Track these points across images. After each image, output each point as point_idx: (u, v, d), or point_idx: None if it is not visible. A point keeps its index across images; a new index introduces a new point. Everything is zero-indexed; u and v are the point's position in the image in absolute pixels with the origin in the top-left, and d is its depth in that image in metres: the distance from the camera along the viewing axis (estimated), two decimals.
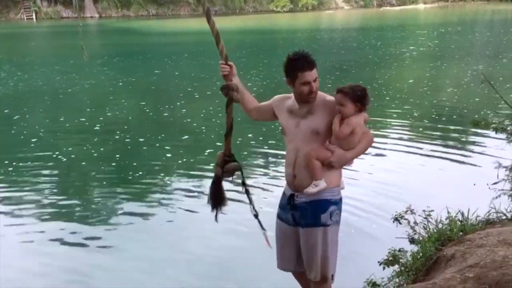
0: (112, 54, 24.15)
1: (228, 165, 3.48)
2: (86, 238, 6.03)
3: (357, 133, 3.15)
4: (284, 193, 3.47)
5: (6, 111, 13.19)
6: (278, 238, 3.49)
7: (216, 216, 3.60)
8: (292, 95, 3.31)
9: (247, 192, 3.57)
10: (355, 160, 3.34)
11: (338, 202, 3.28)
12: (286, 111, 3.35)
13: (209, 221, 6.18)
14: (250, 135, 9.91)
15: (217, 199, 3.58)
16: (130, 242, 5.89)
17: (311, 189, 3.18)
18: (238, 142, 9.29)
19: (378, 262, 4.16)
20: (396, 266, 4.15)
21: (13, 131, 11.01)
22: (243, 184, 3.55)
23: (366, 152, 3.44)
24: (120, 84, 16.78)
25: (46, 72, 19.71)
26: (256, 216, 3.54)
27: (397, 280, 4.05)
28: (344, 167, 3.32)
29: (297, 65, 3.18)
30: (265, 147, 9.35)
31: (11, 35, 40.22)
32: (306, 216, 3.25)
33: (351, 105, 3.12)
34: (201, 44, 28.29)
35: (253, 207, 3.54)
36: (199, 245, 5.78)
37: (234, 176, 3.55)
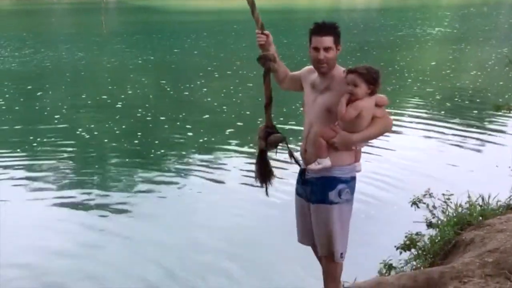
0: (131, 32, 24.23)
1: (270, 137, 3.39)
2: (105, 214, 6.15)
3: (363, 117, 3.04)
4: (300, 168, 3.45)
5: (29, 87, 13.39)
6: (297, 212, 3.49)
7: (266, 190, 3.54)
8: None
9: (297, 163, 3.46)
10: (373, 142, 3.25)
11: (348, 181, 3.19)
12: (309, 84, 3.30)
13: (230, 199, 6.40)
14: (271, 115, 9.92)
15: (264, 173, 3.52)
16: (150, 219, 5.99)
17: (314, 166, 3.17)
18: (258, 122, 9.32)
19: (395, 246, 4.16)
20: (413, 250, 4.14)
21: (36, 107, 11.19)
22: (291, 155, 3.45)
23: (386, 134, 3.35)
24: (140, 62, 16.84)
25: (67, 49, 19.85)
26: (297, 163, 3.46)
27: (414, 263, 4.05)
28: (353, 149, 3.20)
29: (314, 28, 3.12)
30: (285, 128, 9.39)
31: (32, 11, 40.49)
32: (316, 192, 3.23)
33: (365, 87, 3.00)
34: (220, 23, 28.24)
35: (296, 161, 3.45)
36: (220, 222, 5.88)
37: (278, 148, 3.44)
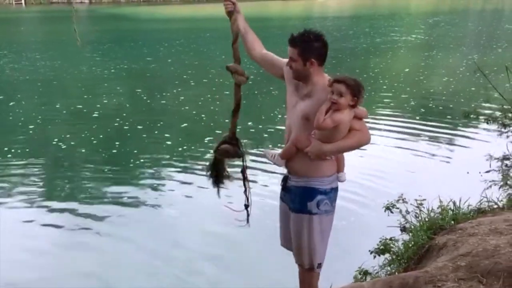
0: (102, 41, 23.89)
1: (222, 146, 3.39)
2: (82, 225, 6.11)
3: (340, 130, 3.00)
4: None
5: (0, 97, 13.14)
6: (280, 217, 3.50)
7: (218, 192, 3.60)
8: None
9: (243, 180, 3.49)
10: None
11: (327, 192, 3.18)
12: (293, 84, 3.24)
13: (208, 208, 6.42)
14: (249, 123, 9.98)
15: (216, 178, 3.55)
16: (128, 231, 5.97)
17: (269, 155, 3.26)
18: (237, 130, 9.34)
19: (369, 251, 4.20)
20: (388, 255, 4.17)
21: (10, 118, 10.98)
22: (242, 172, 3.47)
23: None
24: (113, 71, 16.66)
25: (37, 58, 19.52)
26: (246, 207, 3.50)
27: (388, 268, 4.08)
28: (327, 159, 3.17)
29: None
30: (265, 135, 9.51)
31: (1, 20, 39.77)
32: (294, 201, 3.23)
33: (349, 98, 2.95)
34: (193, 31, 28.14)
35: (247, 198, 3.48)
36: (201, 228, 5.95)
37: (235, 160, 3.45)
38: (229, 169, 3.59)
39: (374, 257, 4.16)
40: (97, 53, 20.55)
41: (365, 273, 4.17)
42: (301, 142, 3.10)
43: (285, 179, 3.35)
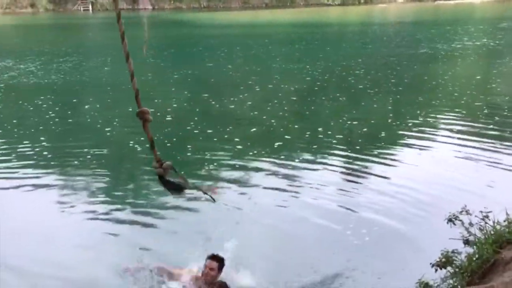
0: (163, 47, 24.46)
1: (164, 164, 3.67)
2: (144, 229, 6.36)
3: None
4: None
5: (74, 100, 13.80)
6: None
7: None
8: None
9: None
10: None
11: None
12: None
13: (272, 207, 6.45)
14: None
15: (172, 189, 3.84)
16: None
17: None
18: (307, 136, 9.28)
19: (430, 263, 4.02)
20: (450, 268, 3.98)
21: (88, 120, 11.43)
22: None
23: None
24: (176, 76, 16.99)
25: (105, 63, 20.30)
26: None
27: (450, 281, 3.91)
28: None
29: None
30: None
31: (70, 26, 41.69)
32: None
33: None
34: (252, 36, 28.49)
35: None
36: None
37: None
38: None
39: (436, 270, 3.98)
40: (160, 59, 21.13)
41: (426, 285, 4.01)
42: None
43: None
